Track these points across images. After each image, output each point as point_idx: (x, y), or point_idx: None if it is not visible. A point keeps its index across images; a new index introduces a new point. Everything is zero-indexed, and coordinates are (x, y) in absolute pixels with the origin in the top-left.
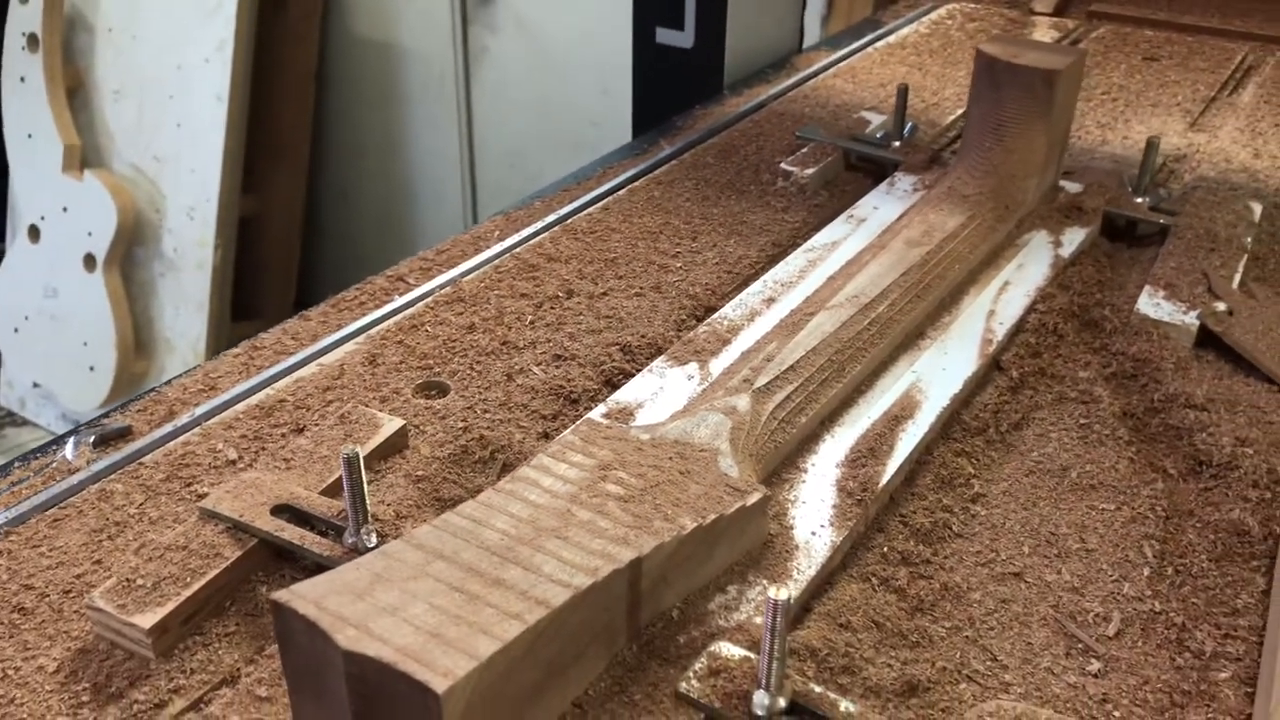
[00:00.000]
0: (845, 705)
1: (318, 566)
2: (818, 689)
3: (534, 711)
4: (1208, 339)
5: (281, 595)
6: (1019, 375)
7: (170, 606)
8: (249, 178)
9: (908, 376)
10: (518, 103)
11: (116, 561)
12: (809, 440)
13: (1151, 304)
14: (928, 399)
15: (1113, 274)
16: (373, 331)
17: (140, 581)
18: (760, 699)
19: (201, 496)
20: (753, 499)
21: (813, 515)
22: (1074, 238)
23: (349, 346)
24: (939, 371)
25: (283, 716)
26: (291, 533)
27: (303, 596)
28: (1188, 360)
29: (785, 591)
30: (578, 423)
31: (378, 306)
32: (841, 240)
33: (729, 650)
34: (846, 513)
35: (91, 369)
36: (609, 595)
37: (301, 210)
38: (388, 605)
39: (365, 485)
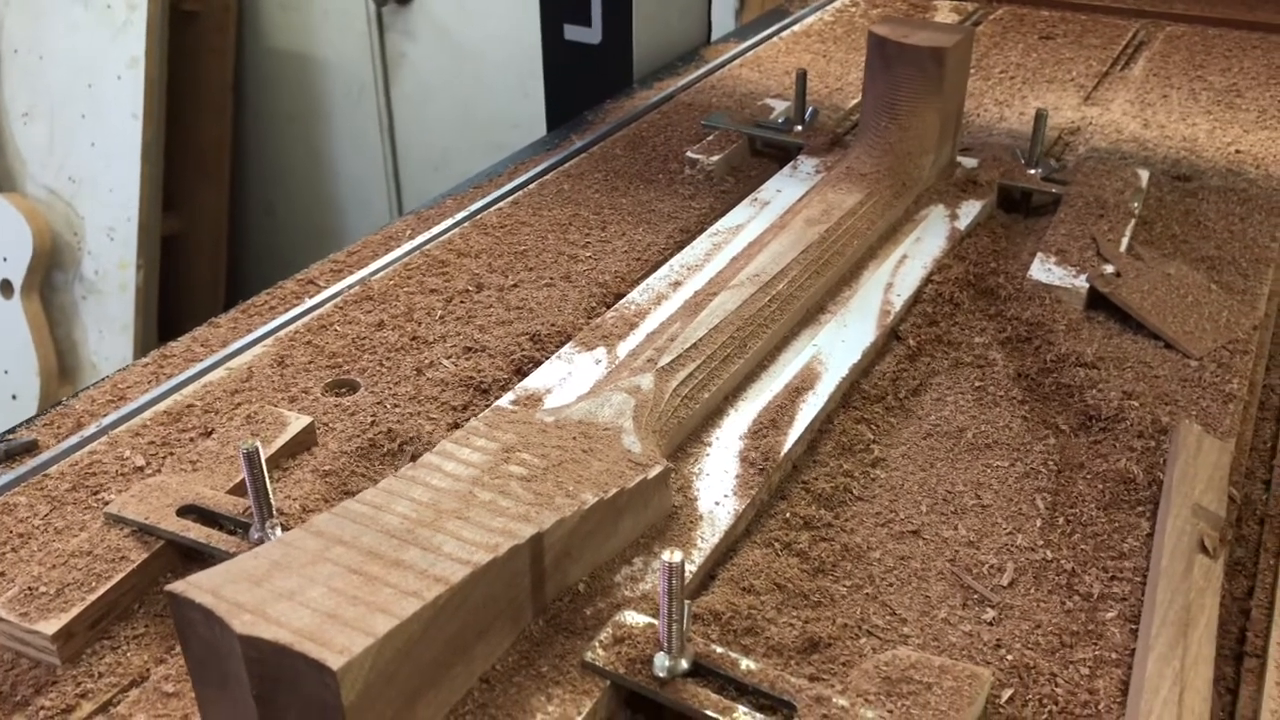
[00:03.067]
0: (746, 664)
1: None
2: (719, 649)
3: (439, 687)
4: (1097, 300)
5: (178, 586)
6: (916, 344)
7: (74, 612)
8: (170, 196)
9: (809, 350)
10: (439, 109)
11: (20, 572)
12: (713, 415)
13: (1043, 269)
14: (828, 370)
15: (1008, 244)
16: (281, 334)
17: (43, 589)
18: (661, 661)
19: (108, 504)
20: (654, 472)
21: (716, 486)
22: (970, 210)
23: (258, 350)
24: (839, 343)
25: (190, 710)
26: (198, 532)
27: (199, 586)
28: (1079, 322)
29: (679, 554)
30: (491, 407)
31: (287, 309)
32: (746, 223)
33: (633, 618)
34: (749, 482)
35: (14, 397)
36: (511, 571)
37: (226, 227)
38: (285, 590)
39: (268, 479)
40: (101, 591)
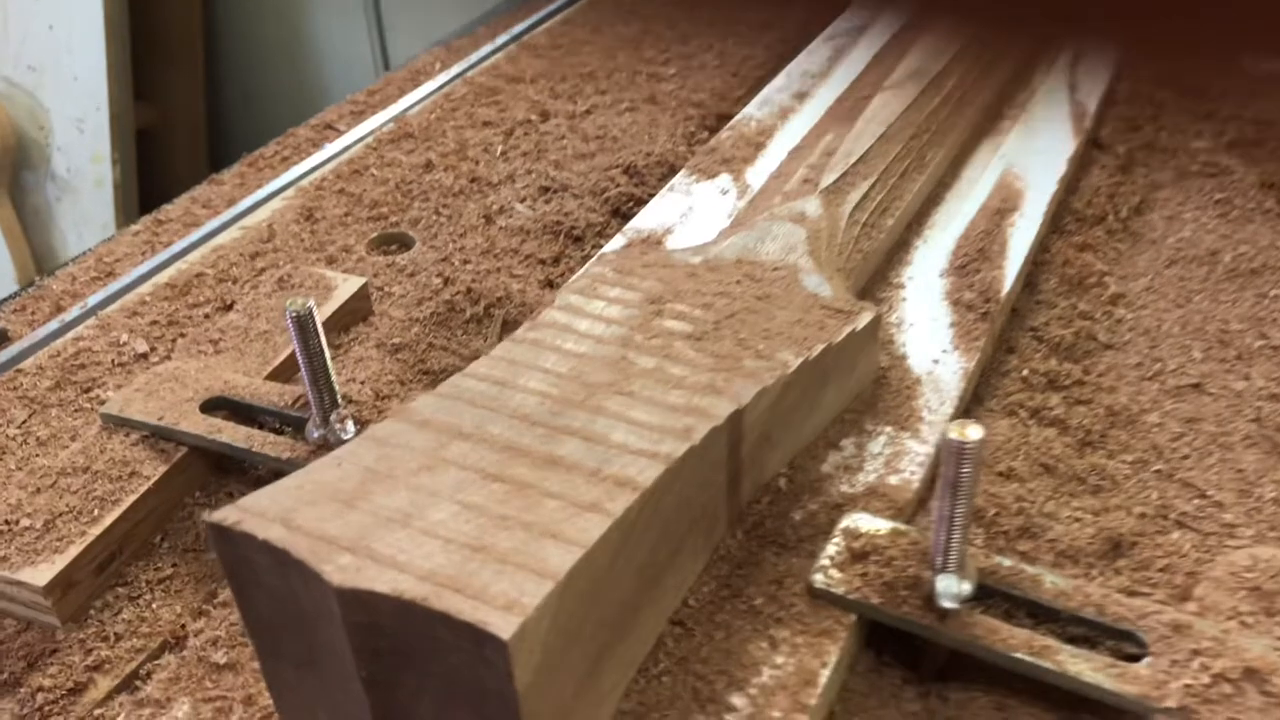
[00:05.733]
0: (1050, 579)
1: (276, 475)
2: (1006, 562)
3: (625, 639)
4: None
5: (226, 515)
6: (1125, 152)
7: (72, 553)
8: (141, 84)
9: (997, 163)
10: None
11: None
12: (897, 248)
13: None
14: (1030, 186)
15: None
16: (305, 183)
17: (26, 522)
18: (946, 586)
19: (105, 403)
20: (863, 321)
21: (928, 338)
22: None
23: (276, 204)
24: (1033, 154)
25: (255, 689)
26: (233, 433)
27: (261, 514)
28: None
29: (974, 430)
30: (597, 255)
31: (304, 158)
32: (868, 24)
33: (869, 524)
34: (970, 330)
35: None
36: (707, 465)
37: (203, 116)
38: (396, 513)
39: (328, 354)
40: (108, 522)
